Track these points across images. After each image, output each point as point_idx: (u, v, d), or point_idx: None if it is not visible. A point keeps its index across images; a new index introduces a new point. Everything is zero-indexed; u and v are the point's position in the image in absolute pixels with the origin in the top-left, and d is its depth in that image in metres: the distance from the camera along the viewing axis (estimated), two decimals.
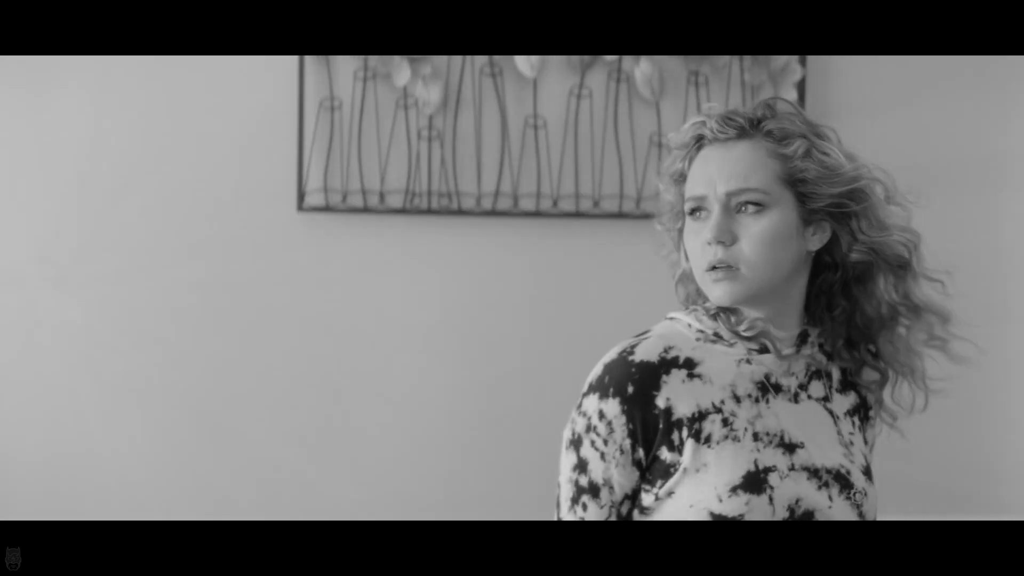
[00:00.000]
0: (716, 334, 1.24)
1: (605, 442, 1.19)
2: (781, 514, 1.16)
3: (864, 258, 1.22)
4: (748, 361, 1.22)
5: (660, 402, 1.18)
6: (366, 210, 2.36)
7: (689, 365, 1.20)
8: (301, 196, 2.34)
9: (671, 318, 1.27)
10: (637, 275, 2.41)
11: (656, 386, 1.18)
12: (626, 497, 1.21)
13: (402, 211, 2.36)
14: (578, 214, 2.38)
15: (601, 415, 1.19)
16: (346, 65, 2.34)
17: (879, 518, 1.30)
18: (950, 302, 1.28)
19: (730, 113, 1.23)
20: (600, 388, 1.20)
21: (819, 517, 1.18)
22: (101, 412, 2.33)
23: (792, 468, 1.18)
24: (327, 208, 2.35)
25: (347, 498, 2.37)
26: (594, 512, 1.21)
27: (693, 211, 1.22)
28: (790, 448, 1.20)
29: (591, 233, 2.41)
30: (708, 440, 1.18)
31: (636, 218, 2.39)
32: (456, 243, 2.40)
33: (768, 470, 1.17)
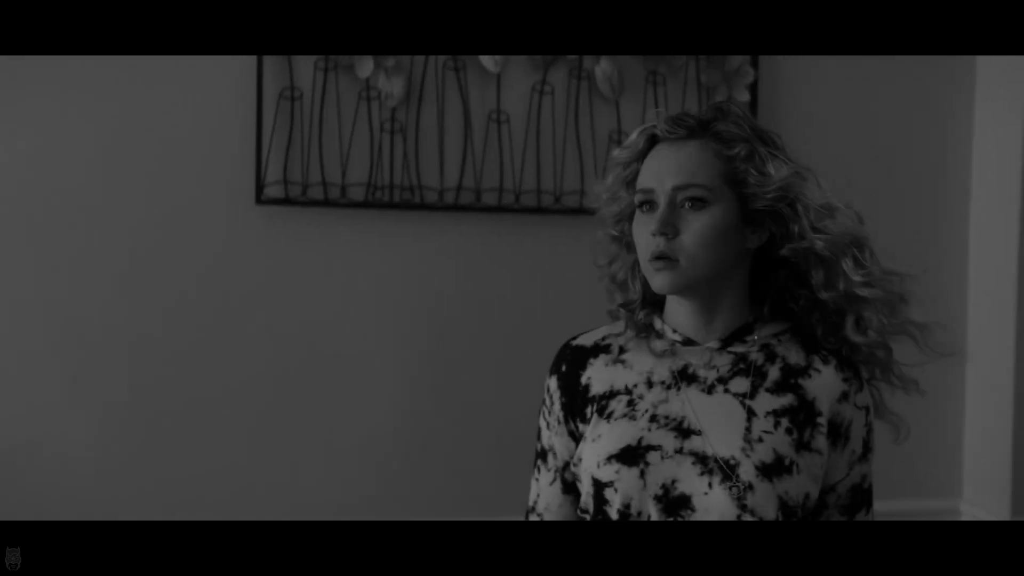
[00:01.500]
0: (650, 324, 1.37)
1: (549, 412, 1.39)
2: (653, 491, 1.26)
3: (797, 257, 1.30)
4: (672, 352, 1.33)
5: (583, 380, 1.36)
6: (327, 203, 2.31)
7: (619, 351, 1.36)
8: (260, 188, 2.28)
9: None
10: (598, 270, 2.45)
11: (583, 366, 1.37)
12: (566, 464, 1.38)
13: (364, 205, 2.33)
14: (540, 209, 2.40)
15: (547, 389, 1.40)
16: (307, 55, 2.30)
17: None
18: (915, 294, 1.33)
19: (681, 115, 1.33)
20: (551, 367, 1.41)
21: (695, 502, 1.25)
22: (61, 405, 2.22)
23: (679, 451, 1.27)
24: (287, 201, 2.30)
25: (311, 495, 2.32)
26: (544, 475, 1.40)
27: (642, 204, 1.31)
28: (685, 433, 1.28)
29: (553, 228, 2.42)
30: (609, 416, 1.31)
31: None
32: (418, 238, 2.38)
33: (650, 448, 1.27)
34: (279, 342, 2.33)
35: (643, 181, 1.31)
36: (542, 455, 1.40)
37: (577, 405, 1.35)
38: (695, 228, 1.26)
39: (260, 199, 2.28)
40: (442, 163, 2.37)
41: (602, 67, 2.40)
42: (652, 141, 1.34)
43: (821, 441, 1.30)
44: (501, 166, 2.38)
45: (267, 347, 2.32)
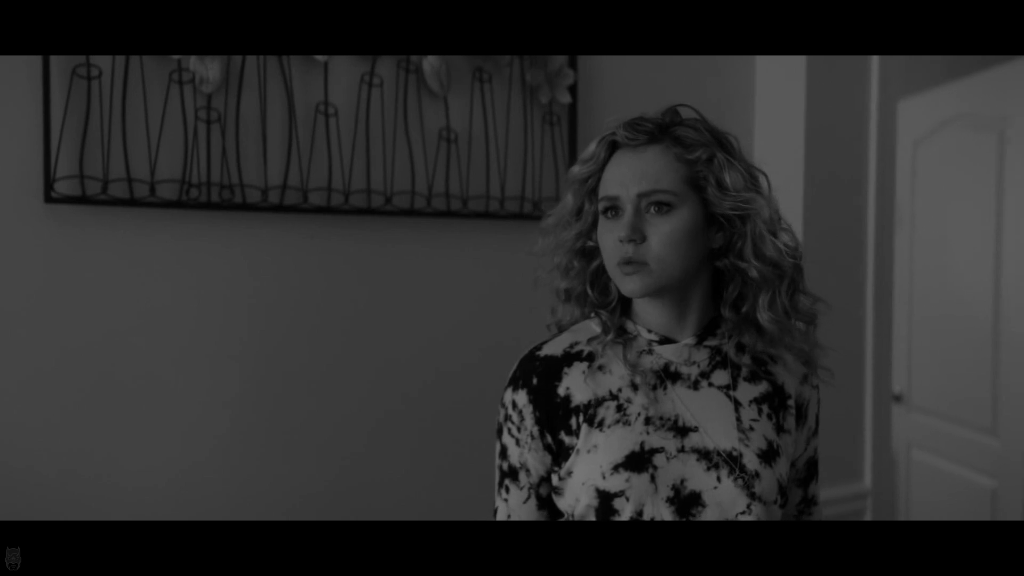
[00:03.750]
0: (622, 327, 1.36)
1: (519, 429, 1.33)
2: (665, 493, 1.26)
3: (728, 270, 1.34)
4: (649, 351, 1.33)
5: (561, 391, 1.31)
6: (132, 203, 1.98)
7: (591, 358, 1.33)
8: (49, 184, 1.90)
9: (594, 315, 1.38)
10: (430, 274, 2.33)
11: (558, 377, 1.32)
12: (542, 479, 1.34)
13: (176, 204, 2.02)
14: (370, 211, 2.22)
15: (514, 405, 1.33)
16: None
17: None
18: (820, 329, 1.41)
19: (639, 119, 1.33)
20: (513, 381, 1.34)
21: (705, 497, 1.27)
22: None
23: (682, 450, 1.28)
24: (83, 199, 1.93)
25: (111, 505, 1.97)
26: (515, 494, 1.34)
27: (607, 210, 1.31)
28: (683, 432, 1.30)
29: (384, 231, 2.26)
30: (601, 424, 1.29)
31: (428, 216, 2.29)
32: (238, 241, 2.11)
33: (654, 451, 1.27)
34: (74, 364, 1.96)
35: (607, 188, 1.30)
36: (511, 474, 1.36)
37: (558, 417, 1.31)
38: (662, 232, 1.26)
39: (49, 197, 1.90)
40: (265, 158, 2.12)
41: (430, 61, 2.28)
42: (612, 148, 1.33)
43: (791, 422, 1.37)
44: (330, 163, 2.18)
45: (59, 370, 1.94)
